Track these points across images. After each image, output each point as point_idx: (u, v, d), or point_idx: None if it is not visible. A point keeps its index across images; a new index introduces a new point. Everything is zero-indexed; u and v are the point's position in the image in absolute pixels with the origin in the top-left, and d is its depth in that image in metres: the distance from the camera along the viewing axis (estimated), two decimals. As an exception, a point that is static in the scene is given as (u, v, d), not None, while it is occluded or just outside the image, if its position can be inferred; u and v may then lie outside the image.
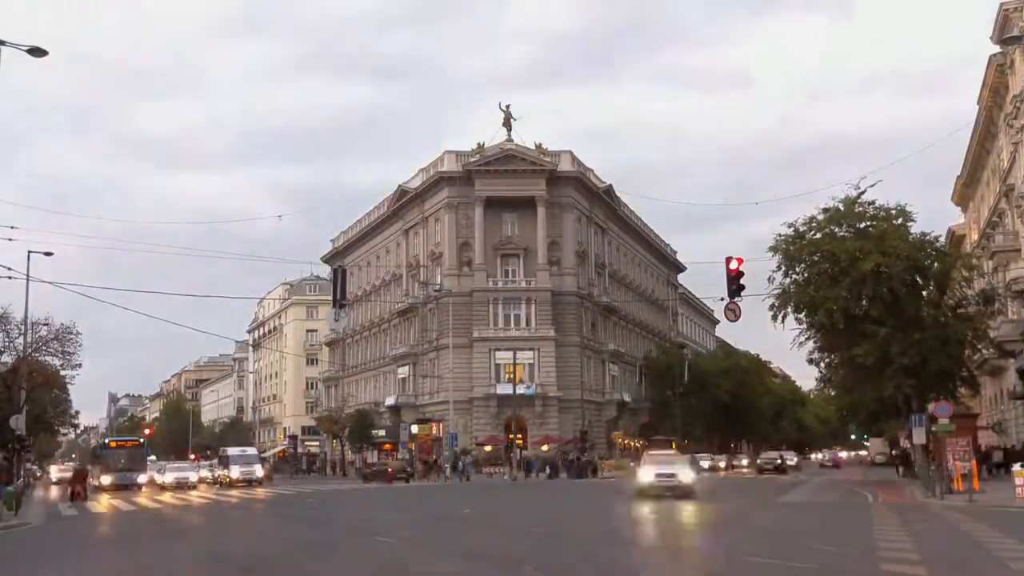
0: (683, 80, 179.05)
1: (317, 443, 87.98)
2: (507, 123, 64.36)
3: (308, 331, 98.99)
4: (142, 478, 42.70)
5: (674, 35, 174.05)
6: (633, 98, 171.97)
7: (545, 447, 57.39)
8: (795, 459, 68.87)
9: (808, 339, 37.95)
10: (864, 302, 33.95)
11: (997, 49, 37.10)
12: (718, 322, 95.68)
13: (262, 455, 73.98)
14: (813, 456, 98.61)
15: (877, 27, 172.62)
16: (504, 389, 58.17)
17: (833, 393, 51.44)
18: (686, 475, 28.92)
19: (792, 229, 35.54)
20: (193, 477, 48.64)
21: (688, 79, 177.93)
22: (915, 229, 35.35)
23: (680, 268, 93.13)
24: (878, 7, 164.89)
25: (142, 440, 53.63)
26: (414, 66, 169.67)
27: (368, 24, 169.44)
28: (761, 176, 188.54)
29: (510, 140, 64.52)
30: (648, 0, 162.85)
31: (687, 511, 24.01)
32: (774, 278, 35.91)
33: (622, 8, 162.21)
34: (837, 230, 35.33)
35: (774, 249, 35.54)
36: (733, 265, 24.57)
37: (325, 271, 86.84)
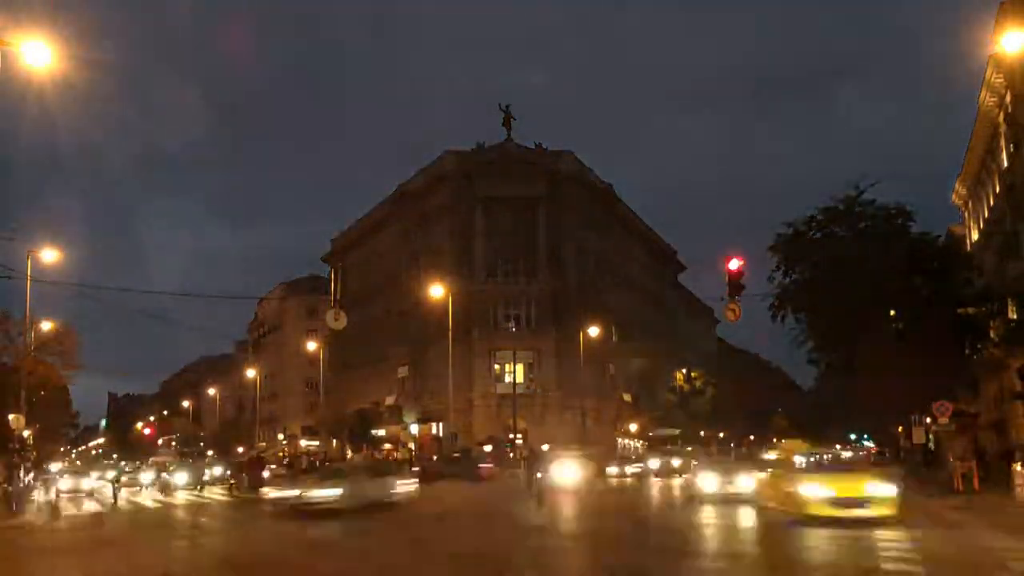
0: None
1: (317, 443, 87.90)
2: (507, 123, 64.36)
3: (308, 331, 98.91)
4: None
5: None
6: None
7: (545, 447, 57.30)
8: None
9: (807, 339, 38.03)
10: (864, 302, 33.98)
11: (997, 48, 37.06)
12: (718, 322, 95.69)
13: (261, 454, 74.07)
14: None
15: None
16: (504, 389, 58.18)
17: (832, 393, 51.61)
18: None
19: (792, 229, 35.59)
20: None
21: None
22: (915, 229, 35.41)
23: (680, 268, 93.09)
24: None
25: None
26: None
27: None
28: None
29: (510, 140, 64.48)
30: None
31: None
32: (774, 278, 35.98)
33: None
34: (837, 230, 35.36)
35: (774, 249, 35.60)
36: (733, 265, 24.51)
37: (325, 271, 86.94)
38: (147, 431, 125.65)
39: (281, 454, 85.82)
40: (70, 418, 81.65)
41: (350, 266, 77.94)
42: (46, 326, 47.70)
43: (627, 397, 70.66)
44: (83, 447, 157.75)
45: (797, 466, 20.56)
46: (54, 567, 15.51)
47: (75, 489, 42.37)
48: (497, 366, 61.23)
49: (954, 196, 55.99)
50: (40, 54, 15.49)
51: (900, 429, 47.18)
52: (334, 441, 76.34)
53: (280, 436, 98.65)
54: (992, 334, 38.19)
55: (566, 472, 32.42)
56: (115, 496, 36.44)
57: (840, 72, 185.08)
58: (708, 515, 21.35)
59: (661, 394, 71.38)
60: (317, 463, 75.87)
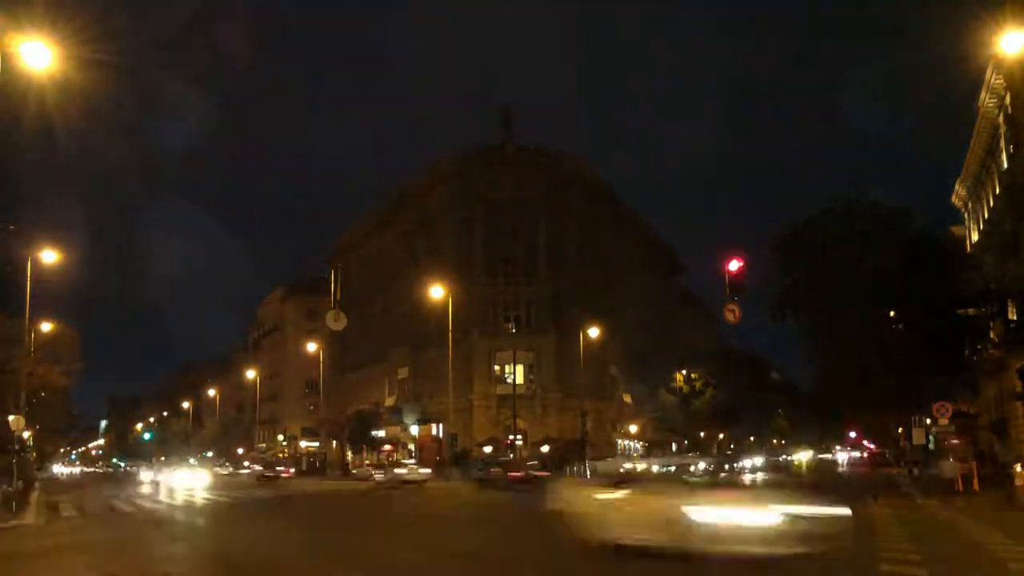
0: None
1: (317, 444, 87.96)
2: (507, 124, 64.43)
3: (308, 332, 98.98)
4: None
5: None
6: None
7: (545, 448, 57.35)
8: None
9: (808, 339, 38.06)
10: (864, 303, 34.00)
11: (997, 49, 37.01)
12: (719, 322, 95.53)
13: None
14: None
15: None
16: (504, 390, 58.19)
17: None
18: None
19: (792, 230, 35.63)
20: None
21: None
22: (915, 230, 35.43)
23: (681, 267, 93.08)
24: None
25: None
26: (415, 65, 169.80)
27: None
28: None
29: (510, 141, 64.50)
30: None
31: None
32: (775, 278, 36.01)
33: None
34: (837, 231, 35.39)
35: (775, 250, 35.64)
36: (733, 266, 24.44)
37: (326, 272, 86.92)
38: (147, 433, 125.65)
39: (281, 455, 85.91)
40: (70, 419, 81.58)
41: (350, 267, 77.97)
42: (46, 327, 47.65)
43: (627, 398, 70.62)
44: (83, 448, 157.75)
45: None
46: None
47: None
48: (497, 367, 61.23)
49: (954, 197, 55.97)
50: (40, 55, 15.49)
51: (900, 430, 47.24)
52: (334, 442, 76.31)
53: (280, 437, 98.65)
54: (992, 335, 38.20)
55: None
56: None
57: (840, 72, 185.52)
58: None
59: (661, 395, 71.32)
60: (317, 464, 75.99)
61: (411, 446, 62.67)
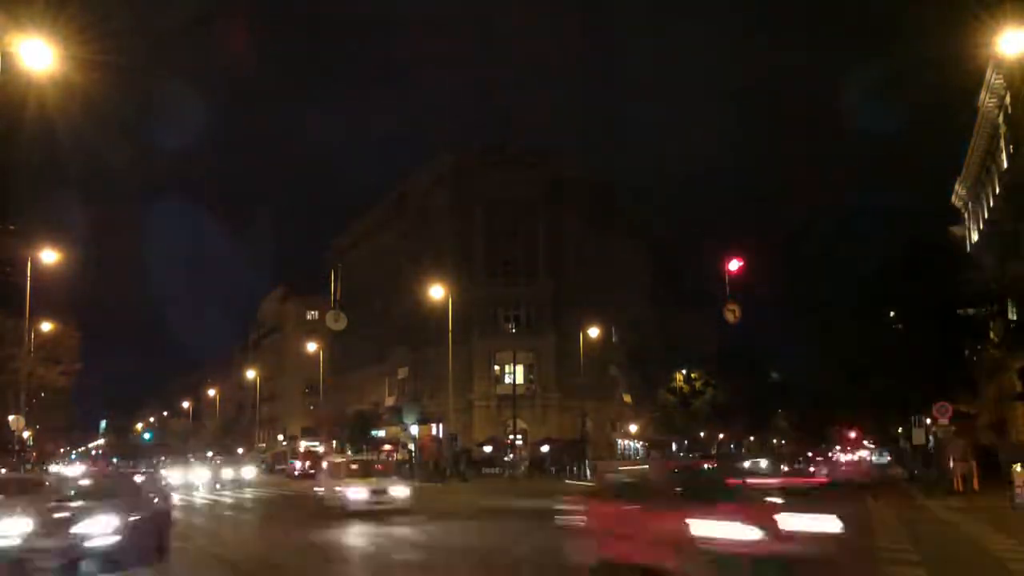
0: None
1: (316, 443, 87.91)
2: (507, 123, 64.54)
3: (308, 332, 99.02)
4: None
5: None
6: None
7: (545, 448, 57.35)
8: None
9: (808, 340, 38.10)
10: (864, 304, 34.03)
11: (997, 49, 37.00)
12: (719, 322, 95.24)
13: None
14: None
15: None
16: (504, 390, 58.20)
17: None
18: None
19: (793, 231, 35.70)
20: None
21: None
22: (914, 230, 35.46)
23: (681, 267, 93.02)
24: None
25: None
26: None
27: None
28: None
29: (510, 140, 64.61)
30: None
31: None
32: (775, 279, 36.05)
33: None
34: (838, 232, 35.47)
35: (775, 251, 35.70)
36: (733, 266, 24.51)
37: (326, 272, 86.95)
38: (146, 433, 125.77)
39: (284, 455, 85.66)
40: (70, 419, 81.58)
41: (350, 267, 77.96)
42: (46, 327, 47.68)
43: (627, 398, 70.59)
44: (82, 448, 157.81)
45: None
46: None
47: None
48: (497, 367, 61.28)
49: (954, 197, 55.99)
50: (40, 55, 15.48)
51: (900, 430, 47.24)
52: (334, 442, 76.31)
53: (280, 437, 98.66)
54: (992, 335, 38.21)
55: None
56: None
57: (840, 72, 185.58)
58: None
59: (661, 395, 71.27)
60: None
61: (411, 446, 62.59)
